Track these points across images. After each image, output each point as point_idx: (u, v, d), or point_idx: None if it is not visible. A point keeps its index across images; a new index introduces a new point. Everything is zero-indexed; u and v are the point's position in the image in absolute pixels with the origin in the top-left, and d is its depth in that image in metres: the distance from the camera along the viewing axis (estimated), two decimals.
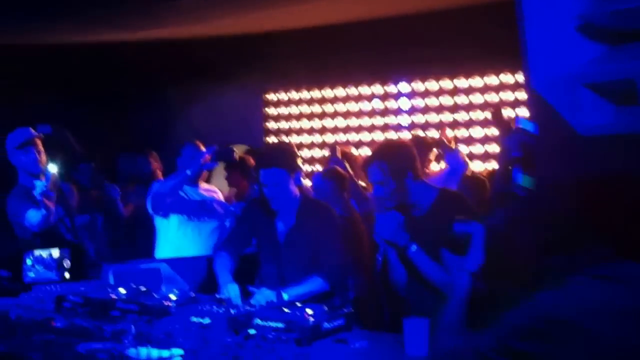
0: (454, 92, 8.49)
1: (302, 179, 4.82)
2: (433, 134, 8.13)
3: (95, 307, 4.27)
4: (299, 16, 8.07)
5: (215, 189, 6.67)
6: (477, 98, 8.33)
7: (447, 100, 8.51)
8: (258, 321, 3.78)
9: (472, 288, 2.89)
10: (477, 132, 8.28)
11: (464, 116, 8.39)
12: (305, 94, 9.62)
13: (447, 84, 8.53)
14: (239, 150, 7.94)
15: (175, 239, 6.25)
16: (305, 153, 9.49)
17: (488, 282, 2.83)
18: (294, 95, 9.72)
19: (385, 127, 8.90)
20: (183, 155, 6.34)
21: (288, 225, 4.79)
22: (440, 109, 8.54)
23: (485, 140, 8.21)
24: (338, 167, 6.43)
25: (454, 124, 8.42)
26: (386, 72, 8.86)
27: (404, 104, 8.77)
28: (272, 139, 9.76)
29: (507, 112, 7.83)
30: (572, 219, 2.54)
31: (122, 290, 4.50)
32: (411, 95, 8.74)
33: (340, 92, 9.31)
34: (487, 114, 8.13)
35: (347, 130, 9.21)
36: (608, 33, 2.78)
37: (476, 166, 8.12)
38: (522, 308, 2.41)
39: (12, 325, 3.96)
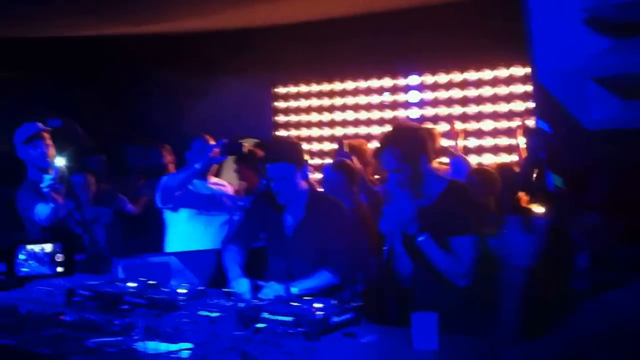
0: (464, 84, 8.46)
1: (309, 173, 4.81)
2: (443, 127, 8.11)
3: (104, 301, 4.27)
4: (309, 9, 8.07)
5: (224, 182, 6.68)
6: (487, 91, 8.30)
7: (457, 93, 8.49)
8: (266, 315, 3.77)
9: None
10: (487, 125, 8.25)
11: (473, 109, 8.36)
12: (314, 87, 9.61)
13: (457, 76, 8.50)
14: (248, 144, 7.95)
15: (185, 232, 6.26)
16: (314, 146, 9.49)
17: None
18: (303, 88, 9.71)
19: (394, 121, 8.86)
20: (193, 149, 6.34)
21: (296, 219, 4.79)
22: (450, 102, 8.52)
23: (495, 133, 8.19)
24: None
25: (464, 117, 8.39)
26: (396, 65, 8.85)
27: (414, 96, 8.75)
28: (281, 133, 9.75)
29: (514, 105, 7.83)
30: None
31: (131, 284, 4.51)
32: (421, 88, 8.73)
33: (349, 85, 9.30)
34: (497, 107, 8.13)
35: (356, 123, 9.20)
36: (615, 26, 2.76)
37: (486, 159, 8.11)
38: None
39: (21, 319, 3.97)
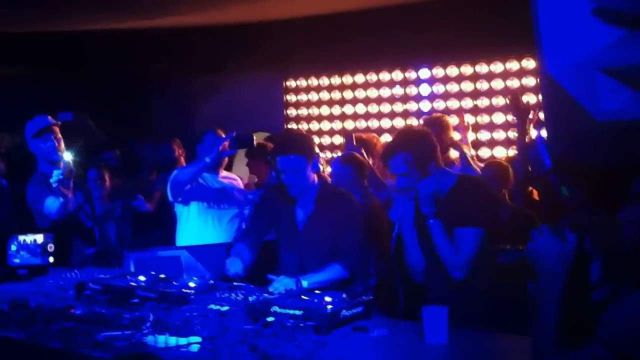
0: (475, 77, 8.43)
1: (320, 165, 4.80)
2: (453, 120, 8.08)
3: (115, 295, 4.29)
4: (320, 2, 8.05)
5: (234, 176, 6.68)
6: (498, 84, 8.26)
7: (468, 86, 8.46)
8: (276, 309, 3.78)
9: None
10: (499, 118, 8.22)
11: (485, 102, 8.33)
12: (325, 81, 9.58)
13: (468, 69, 8.47)
14: (259, 137, 7.95)
15: (195, 226, 6.26)
16: (325, 140, 9.47)
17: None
18: (314, 82, 9.68)
19: (405, 114, 8.85)
20: (205, 143, 6.34)
21: (307, 212, 4.79)
22: (461, 95, 8.49)
23: (507, 126, 8.15)
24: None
25: (475, 110, 8.36)
26: (406, 58, 8.81)
27: (425, 90, 8.72)
28: (292, 126, 9.74)
29: (526, 98, 7.78)
30: None
31: (141, 278, 4.52)
32: (432, 81, 8.69)
33: (360, 78, 9.26)
34: (508, 100, 8.08)
35: (367, 116, 9.17)
36: (624, 17, 2.74)
37: (498, 152, 8.08)
38: (624, 313, 2.37)
39: (31, 313, 3.98)
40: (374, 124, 9.07)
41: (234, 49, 9.36)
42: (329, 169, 7.22)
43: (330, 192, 4.84)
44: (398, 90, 8.94)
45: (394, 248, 4.44)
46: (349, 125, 9.27)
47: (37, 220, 5.83)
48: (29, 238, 4.51)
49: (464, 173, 4.84)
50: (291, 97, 9.86)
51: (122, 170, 8.00)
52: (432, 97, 8.67)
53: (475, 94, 8.40)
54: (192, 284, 4.40)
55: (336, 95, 9.45)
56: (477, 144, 8.19)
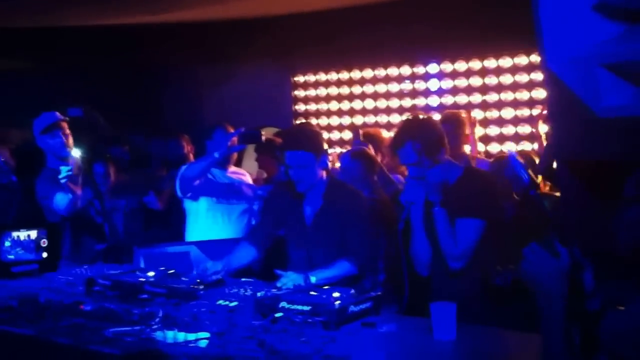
0: (484, 72, 8.42)
1: (328, 162, 4.81)
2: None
3: (124, 291, 4.29)
4: None
5: (243, 171, 6.69)
6: (507, 79, 8.25)
7: (476, 81, 8.44)
8: (285, 304, 3.78)
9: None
10: (508, 113, 8.20)
11: (494, 97, 8.32)
12: (333, 76, 9.58)
13: (476, 64, 8.46)
14: (268, 133, 7.95)
15: (205, 221, 6.28)
16: (333, 135, 9.47)
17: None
18: (323, 77, 9.68)
19: (413, 109, 8.84)
20: (214, 138, 6.35)
21: (315, 208, 4.79)
22: (469, 90, 8.48)
23: (516, 121, 8.14)
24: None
25: (484, 105, 8.35)
26: (415, 53, 8.81)
27: (433, 85, 8.71)
28: (301, 121, 9.73)
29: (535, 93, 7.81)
30: None
31: (150, 274, 4.53)
32: (440, 76, 8.68)
33: (368, 73, 9.26)
34: (518, 95, 8.08)
35: (375, 111, 9.17)
36: (625, 12, 2.73)
37: (507, 147, 8.06)
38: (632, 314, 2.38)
39: (41, 309, 3.99)
40: (382, 119, 9.08)
41: (242, 44, 9.37)
42: (338, 164, 7.22)
43: (338, 188, 4.84)
44: (406, 86, 8.93)
45: (403, 232, 4.44)
46: (358, 120, 9.28)
47: (46, 216, 5.85)
48: (22, 234, 4.51)
49: (469, 166, 4.83)
50: (299, 93, 9.86)
51: (132, 165, 8.01)
52: (440, 92, 8.66)
53: (484, 89, 8.38)
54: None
55: (344, 90, 9.46)
56: (486, 139, 8.18)
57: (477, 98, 8.40)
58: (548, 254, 2.74)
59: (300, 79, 9.86)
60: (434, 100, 8.69)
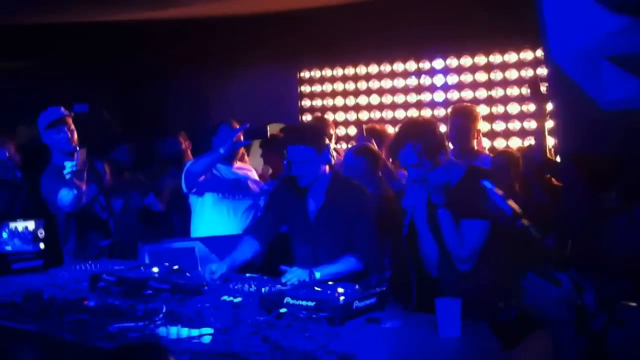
0: (489, 67, 8.39)
1: (331, 157, 4.79)
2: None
3: (128, 287, 4.30)
4: None
5: (249, 167, 6.68)
6: (512, 74, 8.22)
7: (482, 76, 8.42)
8: (289, 300, 3.77)
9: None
10: (514, 108, 8.18)
11: (499, 92, 8.29)
12: (339, 72, 9.56)
13: (481, 59, 8.43)
14: (274, 129, 7.94)
15: (210, 217, 6.27)
16: (339, 131, 9.45)
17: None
18: (328, 72, 9.66)
19: (419, 104, 8.83)
20: (219, 135, 6.35)
21: (318, 203, 4.78)
22: (475, 85, 8.46)
23: (522, 116, 8.11)
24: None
25: (490, 100, 8.33)
26: (420, 49, 8.78)
27: (439, 80, 8.69)
28: (307, 117, 9.72)
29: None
30: None
31: (155, 270, 4.53)
32: (445, 71, 8.66)
33: (374, 69, 9.24)
34: (524, 90, 8.04)
35: (381, 107, 9.15)
36: (629, 4, 2.71)
37: (513, 143, 8.04)
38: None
39: (45, 305, 3.99)
40: (388, 114, 9.05)
41: (247, 40, 9.35)
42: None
43: (342, 184, 4.83)
44: (412, 81, 8.92)
45: (407, 237, 4.43)
46: (363, 116, 9.26)
47: (51, 212, 5.85)
48: (20, 225, 4.50)
49: (471, 164, 4.80)
50: (305, 88, 9.84)
51: (135, 166, 8.01)
52: (446, 88, 8.64)
53: (490, 84, 8.36)
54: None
55: (350, 86, 9.43)
56: (491, 135, 8.17)
57: (482, 93, 8.38)
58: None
59: (306, 74, 9.84)
60: (439, 96, 8.66)
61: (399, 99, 8.99)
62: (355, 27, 8.59)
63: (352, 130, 9.25)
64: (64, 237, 5.81)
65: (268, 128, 6.12)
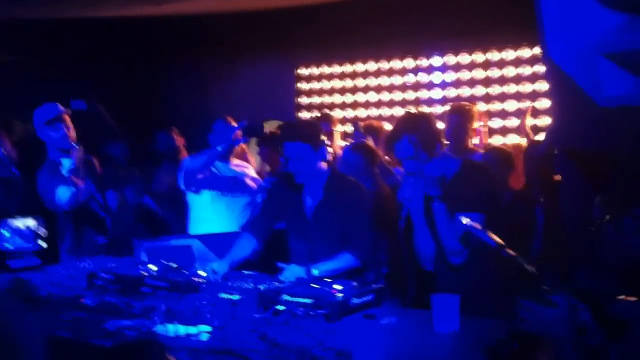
0: (487, 65, 8.39)
1: (327, 154, 4.80)
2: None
3: (125, 284, 4.29)
4: None
5: (246, 164, 6.68)
6: (510, 71, 8.23)
7: (479, 74, 8.42)
8: (286, 297, 3.77)
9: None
10: (511, 105, 8.18)
11: (497, 89, 8.30)
12: (337, 69, 9.56)
13: (479, 57, 8.44)
14: (271, 126, 7.94)
15: (208, 214, 6.27)
16: (337, 128, 9.44)
17: None
18: (326, 69, 9.66)
19: (417, 102, 8.83)
20: (214, 131, 6.35)
21: (315, 200, 4.78)
22: (472, 83, 8.46)
23: (519, 113, 8.11)
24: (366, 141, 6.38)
25: (487, 98, 8.33)
26: (418, 46, 8.79)
27: (436, 77, 8.69)
28: (304, 114, 9.72)
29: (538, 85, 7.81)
30: None
31: (152, 267, 4.52)
32: (443, 68, 8.66)
33: (372, 66, 9.24)
34: (521, 87, 8.06)
35: (379, 104, 9.15)
36: (627, 2, 2.72)
37: (511, 140, 8.04)
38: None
39: (42, 302, 3.98)
40: (385, 111, 9.05)
41: (245, 37, 9.35)
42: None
43: (339, 180, 4.84)
44: (409, 78, 8.91)
45: (404, 230, 4.43)
46: (361, 113, 9.25)
47: (48, 208, 5.84)
48: (20, 222, 4.49)
49: (466, 159, 4.81)
50: (303, 85, 9.84)
51: (128, 160, 8.00)
52: (443, 85, 8.64)
53: (487, 82, 8.36)
54: (202, 273, 4.42)
55: (348, 83, 9.43)
56: (489, 132, 8.16)
57: (480, 90, 8.38)
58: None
59: (303, 71, 9.84)
60: (437, 93, 8.67)
61: (397, 96, 9.00)
62: (353, 24, 8.58)
63: (350, 128, 9.24)
64: (60, 235, 5.80)
65: (265, 125, 6.12)
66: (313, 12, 8.55)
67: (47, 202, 5.82)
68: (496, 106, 8.26)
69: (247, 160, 6.92)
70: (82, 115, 6.97)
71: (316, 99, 9.71)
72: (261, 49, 9.52)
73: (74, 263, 5.12)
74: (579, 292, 2.73)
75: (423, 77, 8.82)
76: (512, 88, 8.19)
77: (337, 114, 9.45)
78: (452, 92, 8.56)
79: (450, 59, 8.61)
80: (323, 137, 4.80)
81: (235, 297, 3.98)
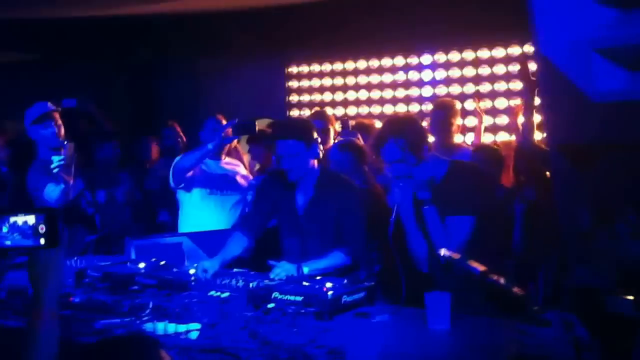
0: (477, 63, 8.40)
1: (320, 151, 4.78)
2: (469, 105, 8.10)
3: (114, 282, 4.28)
4: None
5: (237, 162, 6.65)
6: (500, 69, 8.24)
7: (470, 72, 8.43)
8: (277, 295, 3.76)
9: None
10: (501, 103, 8.19)
11: (487, 87, 8.30)
12: (327, 67, 9.55)
13: (469, 54, 8.44)
14: (261, 124, 7.91)
15: (198, 212, 6.24)
16: (334, 126, 9.44)
17: None
18: (316, 68, 9.65)
19: (407, 100, 8.82)
20: (205, 129, 6.33)
21: (307, 197, 4.77)
22: (463, 80, 8.46)
23: (509, 111, 8.11)
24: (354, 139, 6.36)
25: (477, 95, 8.33)
26: (408, 44, 8.78)
27: (427, 75, 8.69)
28: (294, 113, 9.71)
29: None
30: None
31: (141, 265, 4.50)
32: (434, 66, 8.66)
33: (362, 64, 9.23)
34: (511, 85, 8.07)
35: (369, 102, 9.14)
36: None
37: (501, 137, 8.05)
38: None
39: (30, 301, 3.95)
40: (376, 110, 9.05)
41: (235, 35, 9.32)
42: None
43: (330, 178, 4.83)
44: (400, 76, 8.91)
45: (394, 234, 4.42)
46: (351, 111, 9.25)
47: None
48: (20, 219, 4.47)
49: (454, 159, 4.79)
50: (293, 84, 9.82)
51: (120, 160, 7.98)
52: (434, 83, 8.64)
53: (477, 79, 8.37)
54: (192, 271, 4.40)
55: (338, 81, 9.42)
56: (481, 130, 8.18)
57: (470, 88, 8.39)
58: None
59: (294, 69, 9.83)
60: (427, 91, 8.67)
61: (387, 94, 8.99)
62: (344, 23, 8.56)
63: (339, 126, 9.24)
64: None
65: (257, 124, 6.09)
66: (303, 10, 8.53)
67: (35, 201, 5.79)
68: (486, 104, 8.26)
69: (240, 159, 6.90)
70: (73, 113, 6.92)
71: (306, 97, 9.70)
72: (251, 47, 9.48)
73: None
74: (577, 290, 2.73)
75: (414, 75, 8.82)
76: (502, 86, 8.19)
77: (327, 112, 9.44)
78: (442, 90, 8.55)
79: (441, 57, 8.61)
80: (315, 135, 4.78)
81: (226, 295, 3.95)
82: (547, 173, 5.70)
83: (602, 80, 2.75)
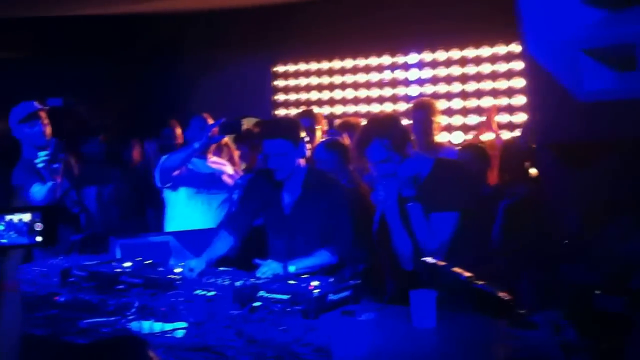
0: (464, 62, 8.42)
1: (306, 150, 4.78)
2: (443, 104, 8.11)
3: (100, 281, 4.26)
4: None
5: (224, 161, 6.65)
6: (486, 68, 8.26)
7: (456, 71, 8.44)
8: (263, 293, 3.76)
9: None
10: (487, 102, 8.21)
11: (473, 86, 8.32)
12: (314, 66, 9.56)
13: (456, 54, 8.46)
14: (247, 123, 7.91)
15: (184, 211, 6.24)
16: (321, 125, 9.44)
17: None
18: (303, 67, 9.66)
19: (394, 98, 8.84)
20: (191, 128, 6.33)
21: (293, 196, 4.76)
22: (449, 79, 8.48)
23: (485, 111, 8.14)
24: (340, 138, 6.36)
25: (464, 94, 8.35)
26: (395, 43, 8.79)
27: (413, 74, 8.70)
28: (281, 112, 9.71)
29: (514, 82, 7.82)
30: None
31: (127, 264, 4.49)
32: (420, 65, 8.67)
33: (349, 63, 9.25)
34: (497, 84, 8.10)
35: (356, 101, 9.16)
36: None
37: (487, 137, 8.06)
38: None
39: None
40: (362, 109, 9.05)
41: (222, 34, 9.31)
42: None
43: (317, 177, 4.82)
44: (387, 75, 8.92)
45: (378, 232, 4.42)
46: (338, 110, 9.25)
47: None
48: (15, 217, 4.47)
49: (439, 157, 4.80)
50: (280, 83, 9.82)
51: (105, 157, 7.96)
52: (420, 82, 8.65)
53: (464, 79, 8.38)
54: (178, 270, 4.39)
55: (325, 80, 9.43)
56: (465, 128, 8.21)
57: (456, 87, 8.40)
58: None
59: (280, 69, 9.83)
60: (414, 90, 8.68)
61: (374, 93, 9.01)
62: (330, 22, 8.58)
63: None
64: None
65: (243, 123, 6.10)
66: (290, 9, 8.54)
67: (20, 200, 5.76)
68: (472, 103, 8.28)
69: (232, 155, 6.90)
70: (59, 112, 6.90)
71: (293, 96, 9.70)
72: (237, 47, 9.48)
73: (47, 260, 5.07)
74: (566, 290, 2.74)
75: (400, 74, 8.83)
76: (488, 85, 8.22)
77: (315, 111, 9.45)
78: (428, 89, 8.57)
79: (427, 56, 8.63)
80: (303, 134, 4.78)
81: (212, 293, 3.94)
82: (534, 171, 5.73)
83: (589, 80, 2.76)
